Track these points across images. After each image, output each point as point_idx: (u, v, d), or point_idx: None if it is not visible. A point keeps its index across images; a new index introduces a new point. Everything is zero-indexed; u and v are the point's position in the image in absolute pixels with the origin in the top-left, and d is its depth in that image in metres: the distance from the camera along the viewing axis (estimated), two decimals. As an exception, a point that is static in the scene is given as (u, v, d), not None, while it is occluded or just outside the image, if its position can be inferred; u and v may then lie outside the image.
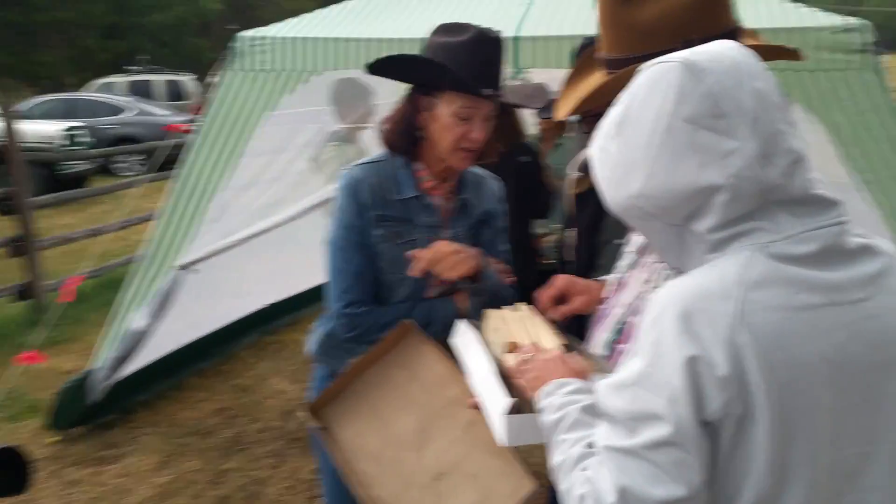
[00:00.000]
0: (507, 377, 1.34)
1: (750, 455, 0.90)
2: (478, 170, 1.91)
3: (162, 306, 3.47)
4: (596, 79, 1.39)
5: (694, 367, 0.88)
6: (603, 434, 0.97)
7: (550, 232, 3.55)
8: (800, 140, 0.96)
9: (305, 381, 4.33)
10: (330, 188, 3.36)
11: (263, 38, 3.32)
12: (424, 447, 1.52)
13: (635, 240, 1.40)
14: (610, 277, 1.46)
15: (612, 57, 1.33)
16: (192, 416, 3.89)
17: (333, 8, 3.64)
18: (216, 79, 3.41)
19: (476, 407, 1.41)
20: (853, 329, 0.93)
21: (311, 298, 5.33)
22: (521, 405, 1.26)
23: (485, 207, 1.91)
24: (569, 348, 1.40)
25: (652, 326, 0.93)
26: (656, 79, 0.97)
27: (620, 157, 1.00)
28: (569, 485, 0.99)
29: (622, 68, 1.27)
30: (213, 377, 4.36)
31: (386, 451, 1.55)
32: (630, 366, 0.96)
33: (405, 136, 1.76)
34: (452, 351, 1.56)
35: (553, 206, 3.40)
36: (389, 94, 5.20)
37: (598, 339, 1.37)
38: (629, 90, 1.02)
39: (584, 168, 2.11)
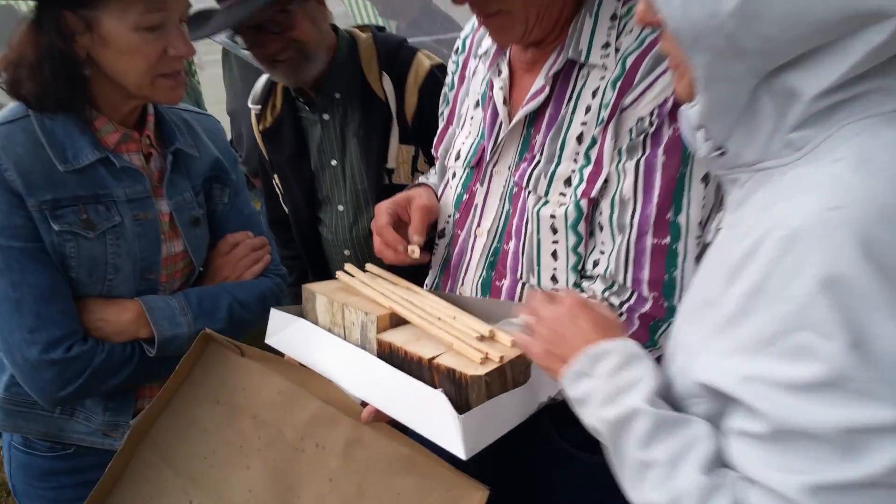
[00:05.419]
0: (397, 364, 0.95)
1: None
2: (184, 107, 1.40)
3: None
4: None
5: None
6: (795, 464, 0.65)
7: None
8: None
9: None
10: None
11: None
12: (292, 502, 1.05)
13: (459, 148, 1.15)
14: (447, 200, 1.17)
15: None
16: None
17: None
18: None
19: (377, 417, 0.97)
20: None
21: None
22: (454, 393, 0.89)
23: (210, 157, 1.37)
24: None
25: (822, 287, 0.62)
26: None
27: None
28: None
29: None
30: None
31: None
32: (815, 351, 0.63)
33: (60, 82, 1.14)
34: (278, 353, 1.10)
35: None
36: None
37: (469, 281, 1.09)
38: None
39: (263, 100, 1.70)
